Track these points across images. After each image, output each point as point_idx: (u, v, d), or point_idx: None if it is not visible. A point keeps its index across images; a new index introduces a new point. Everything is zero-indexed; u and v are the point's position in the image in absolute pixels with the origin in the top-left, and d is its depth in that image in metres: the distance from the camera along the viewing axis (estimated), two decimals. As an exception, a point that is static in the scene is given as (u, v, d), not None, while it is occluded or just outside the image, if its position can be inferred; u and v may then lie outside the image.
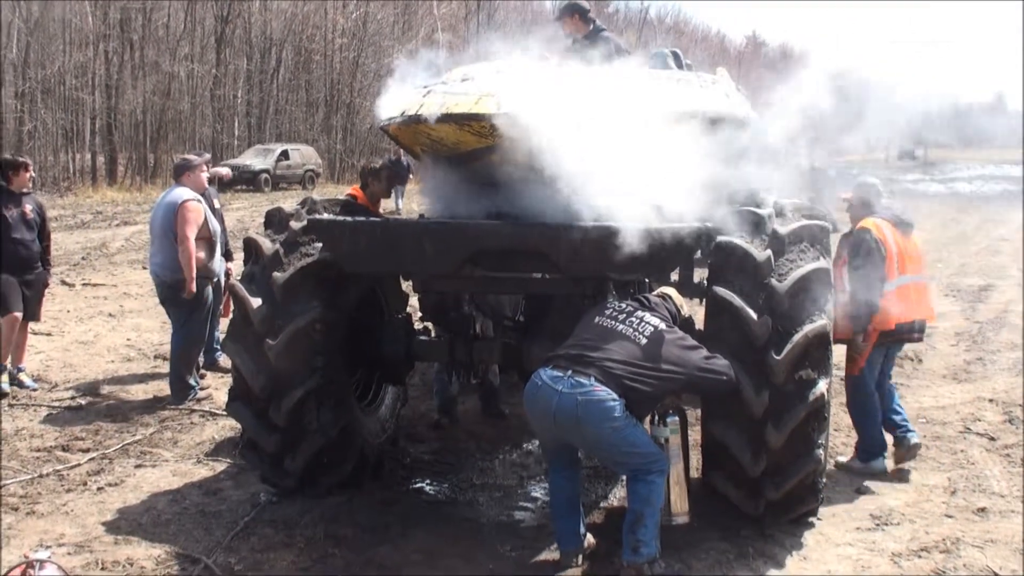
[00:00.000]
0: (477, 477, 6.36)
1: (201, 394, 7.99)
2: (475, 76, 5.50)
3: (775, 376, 4.84)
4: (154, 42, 38.24)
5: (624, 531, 4.60)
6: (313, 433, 5.53)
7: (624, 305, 4.90)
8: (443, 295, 6.00)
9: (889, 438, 6.43)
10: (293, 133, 44.70)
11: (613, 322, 4.75)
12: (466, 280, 5.55)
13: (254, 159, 36.62)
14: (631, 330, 4.68)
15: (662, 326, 4.73)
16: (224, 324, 7.61)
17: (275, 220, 5.84)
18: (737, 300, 4.92)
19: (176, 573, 4.79)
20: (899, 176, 53.00)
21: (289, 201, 6.50)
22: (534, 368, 4.85)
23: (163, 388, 8.13)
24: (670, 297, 5.13)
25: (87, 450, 6.69)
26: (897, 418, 6.45)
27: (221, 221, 8.69)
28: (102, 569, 4.83)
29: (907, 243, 6.33)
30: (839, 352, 6.03)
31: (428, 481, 6.29)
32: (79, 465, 6.37)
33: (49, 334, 10.30)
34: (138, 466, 6.42)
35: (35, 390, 8.19)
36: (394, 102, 5.68)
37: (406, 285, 6.54)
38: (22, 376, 8.29)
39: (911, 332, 6.40)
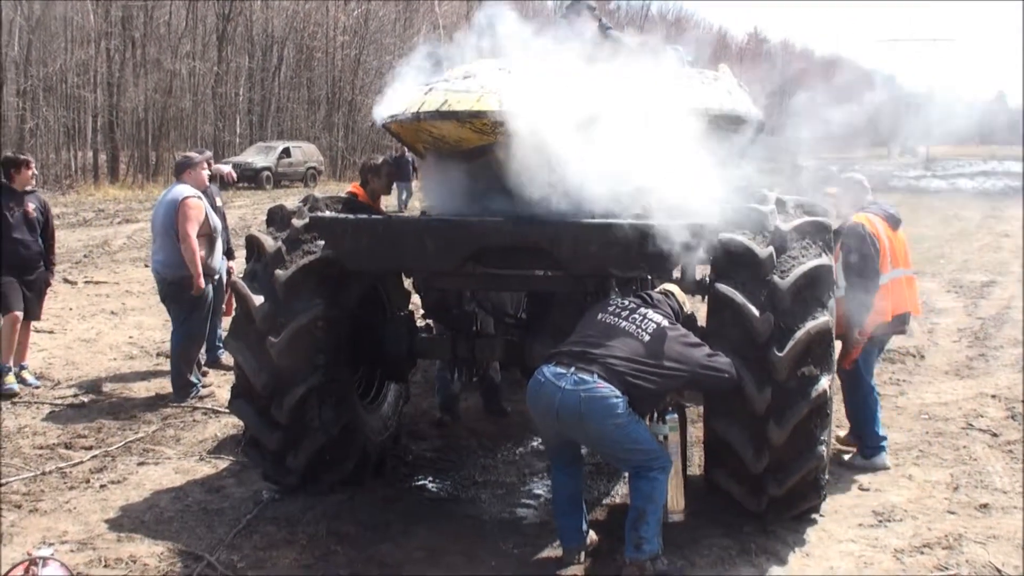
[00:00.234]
0: (479, 474, 6.36)
1: (203, 392, 8.00)
2: (477, 73, 5.50)
3: (777, 373, 4.84)
4: (156, 40, 38.25)
5: (626, 528, 4.60)
6: (315, 431, 5.53)
7: (627, 302, 4.90)
8: (445, 292, 6.00)
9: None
10: (295, 131, 44.72)
11: (616, 319, 4.75)
12: (468, 277, 5.55)
13: (256, 157, 36.66)
14: (634, 327, 4.68)
15: (665, 323, 4.73)
16: (226, 322, 7.61)
17: (277, 218, 5.84)
18: (739, 297, 4.91)
19: (179, 570, 4.79)
20: (902, 172, 52.99)
21: (291, 199, 6.48)
22: (536, 365, 4.85)
23: (165, 386, 8.14)
24: (672, 294, 5.13)
25: (90, 448, 6.70)
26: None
27: (223, 219, 8.69)
28: (105, 566, 4.83)
29: (896, 237, 6.39)
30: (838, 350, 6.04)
31: (430, 479, 6.29)
32: (82, 463, 6.37)
33: (51, 332, 10.31)
34: (141, 464, 6.42)
35: (38, 387, 8.20)
36: (396, 99, 5.68)
37: (408, 282, 6.54)
38: (25, 374, 8.30)
39: (902, 324, 6.49)
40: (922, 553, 5.09)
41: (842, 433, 6.66)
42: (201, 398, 7.89)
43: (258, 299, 5.46)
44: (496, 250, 5.14)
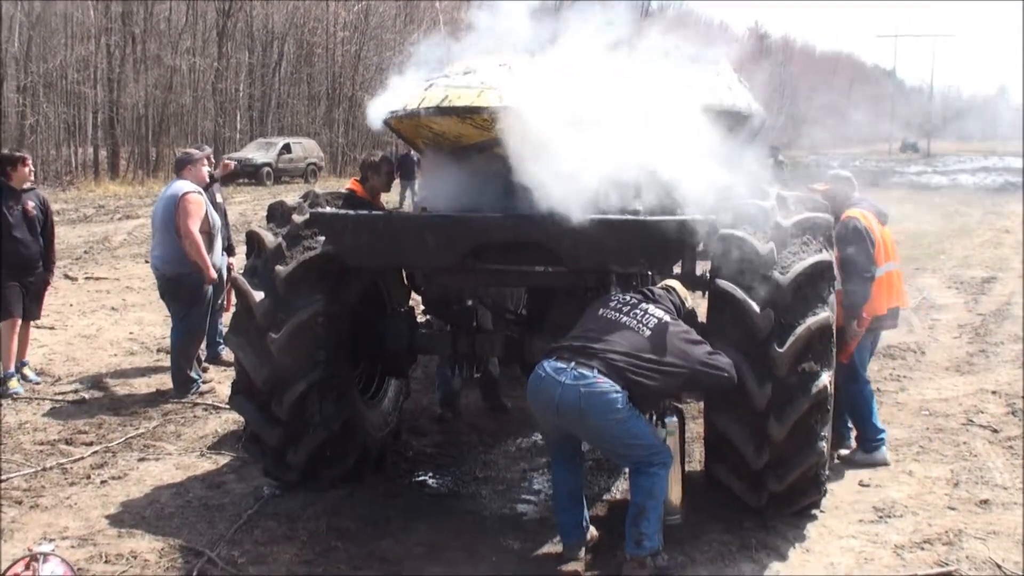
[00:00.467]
0: (480, 470, 6.37)
1: (204, 388, 7.99)
2: (477, 69, 5.50)
3: (778, 369, 4.84)
4: (156, 36, 38.22)
5: (627, 524, 4.60)
6: (315, 426, 5.53)
7: (628, 297, 4.90)
8: (445, 288, 6.00)
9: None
10: (295, 127, 44.72)
11: (617, 314, 4.75)
12: (468, 274, 5.55)
13: (256, 153, 36.63)
14: (635, 322, 4.67)
15: (666, 319, 4.73)
16: (226, 318, 7.61)
17: (277, 214, 5.83)
18: (739, 293, 4.91)
19: (179, 566, 4.79)
20: (902, 168, 53.00)
21: (291, 195, 6.49)
22: (536, 361, 4.85)
23: (166, 382, 8.14)
24: (674, 290, 5.12)
25: (90, 443, 6.70)
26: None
27: (224, 215, 8.69)
28: (106, 562, 4.83)
29: (885, 232, 6.48)
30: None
31: (431, 474, 6.30)
32: (82, 459, 6.38)
33: (52, 328, 10.31)
34: (141, 459, 6.43)
35: (38, 384, 8.20)
36: (396, 96, 5.68)
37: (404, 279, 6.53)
38: (25, 370, 8.29)
39: (894, 318, 6.58)
40: (922, 549, 5.09)
41: (844, 452, 6.60)
42: (201, 394, 7.89)
43: (258, 295, 5.46)
44: (496, 246, 5.13)
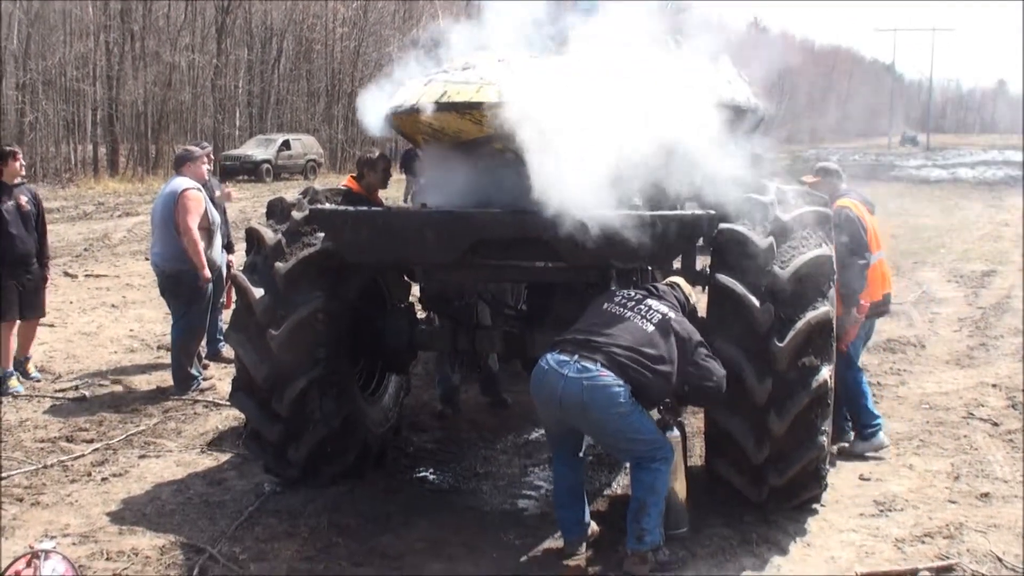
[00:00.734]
0: (480, 466, 6.37)
1: (204, 384, 8.00)
2: (476, 64, 5.49)
3: (778, 363, 4.84)
4: (155, 32, 38.16)
5: (628, 520, 4.60)
6: (316, 423, 5.54)
7: (633, 293, 4.90)
8: (445, 284, 6.00)
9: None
10: (294, 123, 44.67)
11: (621, 309, 4.74)
12: (468, 269, 5.54)
13: (255, 149, 36.61)
14: (639, 317, 4.66)
15: (671, 314, 4.72)
16: (227, 315, 7.61)
17: (277, 210, 5.83)
18: (739, 287, 4.91)
19: (180, 563, 4.80)
20: (902, 162, 52.97)
21: (291, 191, 6.48)
22: (537, 356, 4.85)
23: (166, 379, 8.15)
24: (678, 285, 5.12)
25: (91, 441, 6.70)
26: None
27: (223, 212, 8.68)
28: (107, 559, 4.84)
29: (874, 221, 6.58)
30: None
31: (431, 470, 6.30)
32: (83, 456, 6.38)
33: (52, 325, 10.30)
34: (142, 456, 6.43)
35: (39, 381, 8.21)
36: (396, 92, 5.67)
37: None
38: (29, 366, 8.30)
39: (886, 304, 6.72)
40: (923, 542, 5.10)
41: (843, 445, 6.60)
42: (202, 391, 7.89)
43: (258, 292, 5.46)
44: (496, 242, 5.13)
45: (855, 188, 6.82)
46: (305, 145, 39.14)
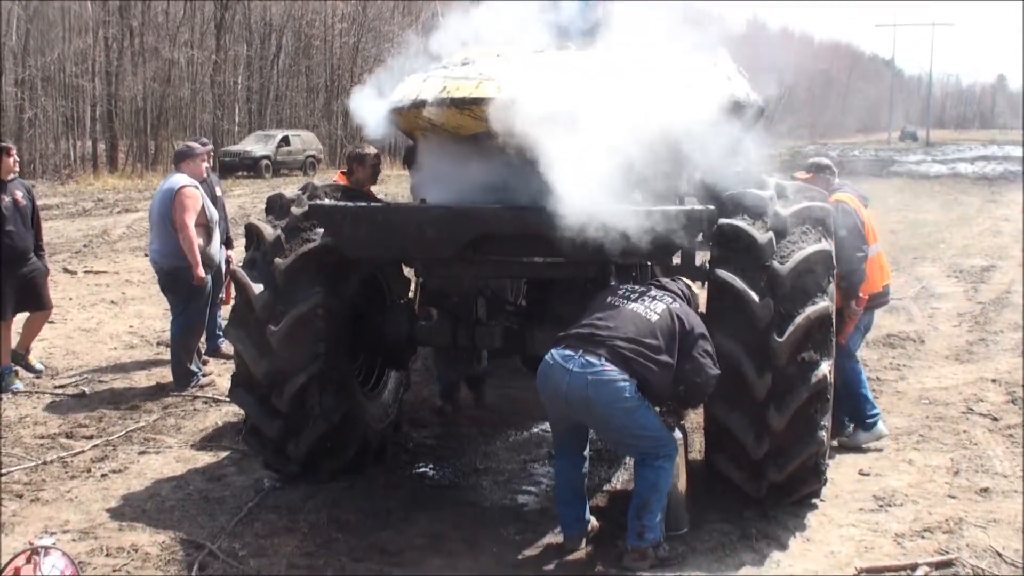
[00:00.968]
0: (480, 461, 6.37)
1: (204, 380, 8.00)
2: (475, 59, 5.48)
3: (777, 358, 4.84)
4: (154, 28, 38.10)
5: (629, 516, 4.60)
6: (316, 419, 5.53)
7: (637, 286, 4.90)
8: (445, 280, 5.99)
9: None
10: (294, 119, 44.61)
11: (624, 301, 4.74)
12: (467, 265, 5.54)
13: (255, 145, 36.58)
14: (643, 307, 4.66)
15: (675, 304, 4.72)
16: (226, 311, 7.61)
17: (276, 206, 5.82)
18: (739, 283, 4.91)
19: (180, 559, 4.80)
20: (902, 157, 52.93)
21: (290, 187, 6.47)
22: (536, 352, 4.85)
23: (166, 375, 8.15)
24: (681, 279, 5.14)
25: (91, 437, 6.70)
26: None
27: (222, 209, 8.67)
28: (107, 555, 4.84)
29: (868, 215, 6.63)
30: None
31: (431, 466, 6.30)
32: (83, 452, 6.38)
33: (51, 322, 10.24)
34: (142, 453, 6.43)
35: (39, 377, 8.20)
36: (395, 88, 5.66)
37: (408, 270, 6.53)
38: (30, 358, 8.30)
39: (885, 296, 6.79)
40: (923, 537, 5.10)
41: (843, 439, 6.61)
42: (202, 387, 7.89)
43: (258, 288, 5.45)
44: (496, 237, 5.13)
45: (849, 183, 6.87)
46: (304, 141, 39.12)
